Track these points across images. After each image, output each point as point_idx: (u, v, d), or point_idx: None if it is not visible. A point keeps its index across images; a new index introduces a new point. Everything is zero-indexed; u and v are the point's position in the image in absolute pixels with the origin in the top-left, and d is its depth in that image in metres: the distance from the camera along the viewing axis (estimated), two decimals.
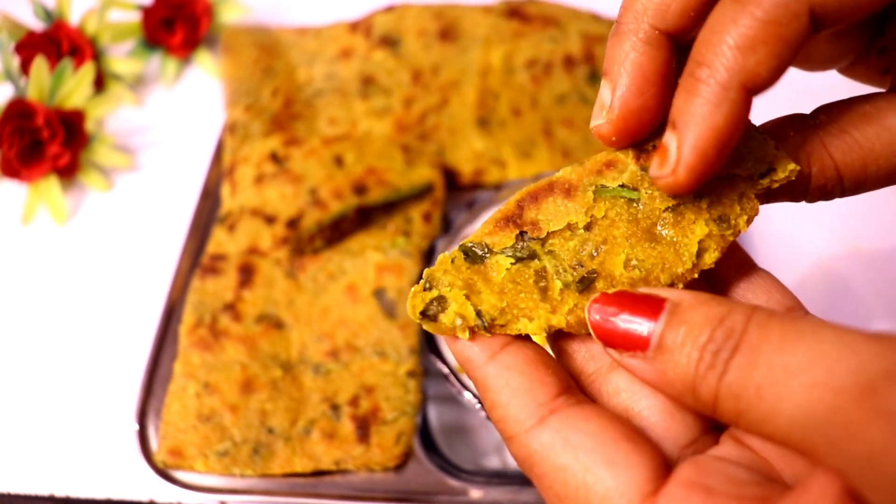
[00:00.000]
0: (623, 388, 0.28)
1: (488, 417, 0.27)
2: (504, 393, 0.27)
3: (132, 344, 0.57)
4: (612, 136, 0.28)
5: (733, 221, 0.29)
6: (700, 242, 0.28)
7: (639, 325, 0.25)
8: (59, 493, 0.51)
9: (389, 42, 0.74)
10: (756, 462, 0.26)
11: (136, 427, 0.52)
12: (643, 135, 0.29)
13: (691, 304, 0.25)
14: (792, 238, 0.63)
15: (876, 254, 0.61)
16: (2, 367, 0.58)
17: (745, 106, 0.26)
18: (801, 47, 0.26)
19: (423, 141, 0.68)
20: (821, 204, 0.67)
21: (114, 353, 0.58)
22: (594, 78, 0.71)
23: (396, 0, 0.77)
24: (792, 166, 0.29)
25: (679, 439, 0.27)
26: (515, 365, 0.27)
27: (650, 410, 0.27)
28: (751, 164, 0.29)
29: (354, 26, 0.76)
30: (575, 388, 0.27)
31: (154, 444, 0.51)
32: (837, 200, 0.64)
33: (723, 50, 0.25)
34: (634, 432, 0.25)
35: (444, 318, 0.28)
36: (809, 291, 0.59)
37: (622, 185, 0.29)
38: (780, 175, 0.29)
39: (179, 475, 0.50)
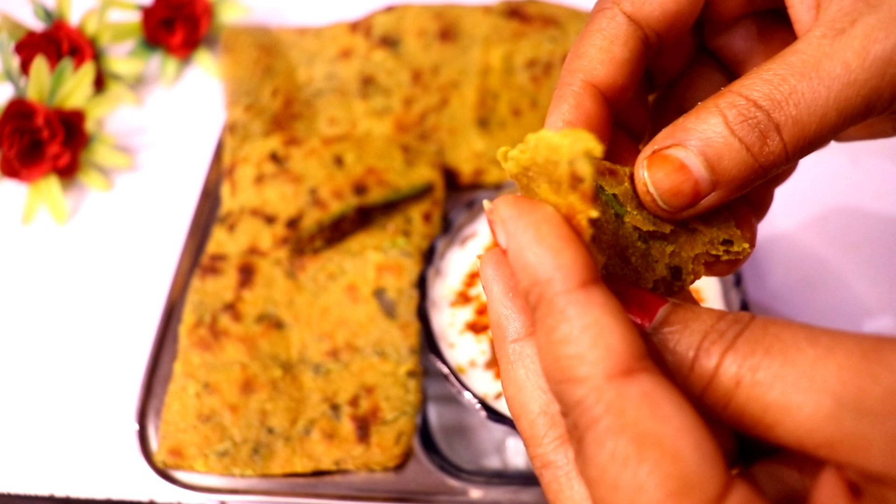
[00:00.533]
0: None
1: (540, 353, 0.24)
2: (592, 329, 0.23)
3: (132, 344, 0.57)
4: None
5: (683, 277, 0.30)
6: (654, 281, 0.29)
7: (641, 310, 0.25)
8: (59, 493, 0.51)
9: (389, 42, 0.74)
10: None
11: (136, 427, 0.52)
12: None
13: (694, 306, 0.25)
14: (792, 238, 0.63)
15: (876, 254, 0.61)
16: (2, 367, 0.58)
17: (592, 99, 0.31)
18: (641, 52, 0.31)
19: (423, 141, 0.68)
20: (821, 204, 0.67)
21: (114, 353, 0.58)
22: None
23: (396, 0, 0.77)
24: (745, 246, 0.31)
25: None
26: (607, 305, 0.23)
27: None
28: (715, 231, 0.30)
29: (354, 26, 0.76)
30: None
31: (154, 444, 0.51)
32: (838, 200, 0.65)
33: (569, 62, 0.32)
34: (709, 426, 0.23)
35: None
36: (809, 291, 0.59)
37: (615, 196, 0.29)
38: (735, 249, 0.30)
39: (179, 475, 0.50)
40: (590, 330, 0.23)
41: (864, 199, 0.65)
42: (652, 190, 0.29)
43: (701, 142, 0.28)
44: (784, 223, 0.64)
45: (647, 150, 0.29)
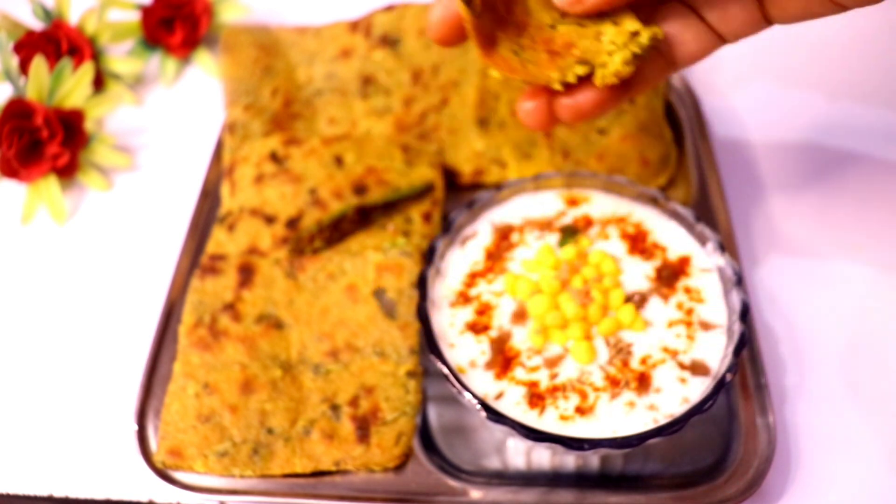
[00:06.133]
0: None
1: None
2: None
3: (132, 344, 0.57)
4: (434, 35, 0.44)
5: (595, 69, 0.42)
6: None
7: None
8: (58, 493, 0.51)
9: (389, 42, 0.74)
10: None
11: (136, 427, 0.52)
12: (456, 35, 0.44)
13: None
14: (792, 238, 0.63)
15: (878, 254, 0.61)
16: (1, 367, 0.58)
17: None
18: None
19: (423, 141, 0.68)
20: (821, 204, 0.67)
21: (113, 353, 0.58)
22: None
23: (396, 0, 0.76)
24: (656, 30, 0.42)
25: None
26: None
27: None
28: (617, 25, 0.42)
29: (354, 26, 0.75)
30: None
31: (153, 444, 0.51)
32: (840, 201, 0.65)
33: None
34: None
35: None
36: (809, 291, 0.59)
37: None
38: (642, 39, 0.41)
39: (179, 476, 0.50)
40: None
41: (867, 200, 0.65)
42: None
43: None
44: (784, 223, 0.64)
45: None
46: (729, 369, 0.45)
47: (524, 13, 0.43)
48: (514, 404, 0.46)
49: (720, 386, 0.45)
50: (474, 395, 0.46)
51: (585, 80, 0.43)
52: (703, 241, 0.53)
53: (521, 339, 0.49)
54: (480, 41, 0.42)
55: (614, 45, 0.41)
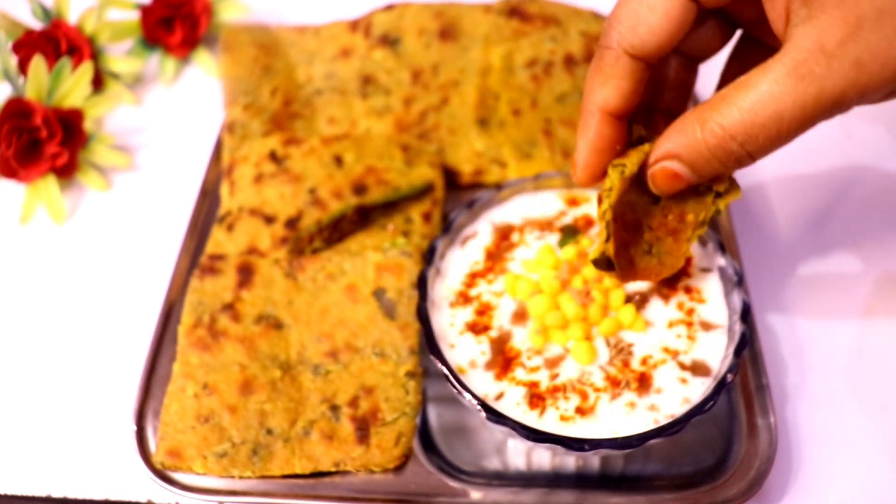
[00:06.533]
0: None
1: None
2: None
3: (131, 344, 0.57)
4: (581, 184, 0.45)
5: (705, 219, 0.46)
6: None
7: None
8: (57, 493, 0.51)
9: (389, 41, 0.74)
10: None
11: (135, 428, 0.52)
12: (600, 177, 0.44)
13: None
14: (792, 238, 0.62)
15: (878, 253, 0.61)
16: (1, 367, 0.58)
17: (608, 124, 0.42)
18: (644, 76, 0.41)
19: (422, 140, 0.67)
20: (823, 204, 0.67)
21: (112, 354, 0.58)
22: None
23: (396, 0, 0.76)
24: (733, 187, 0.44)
25: None
26: None
27: None
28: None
29: (354, 25, 0.75)
30: None
31: (152, 444, 0.51)
32: (840, 201, 0.65)
33: (588, 94, 0.42)
34: None
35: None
36: (810, 291, 0.59)
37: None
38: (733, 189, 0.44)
39: (178, 476, 0.50)
40: None
41: (867, 200, 0.65)
42: (655, 190, 0.43)
43: (690, 158, 0.39)
44: (786, 223, 0.63)
45: (651, 157, 0.41)
46: (730, 370, 0.45)
47: (632, 210, 0.45)
48: (514, 405, 0.46)
49: (721, 386, 0.45)
50: (474, 396, 0.45)
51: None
52: (703, 241, 0.53)
53: (522, 339, 0.49)
54: (623, 277, 0.46)
55: (717, 192, 0.44)
